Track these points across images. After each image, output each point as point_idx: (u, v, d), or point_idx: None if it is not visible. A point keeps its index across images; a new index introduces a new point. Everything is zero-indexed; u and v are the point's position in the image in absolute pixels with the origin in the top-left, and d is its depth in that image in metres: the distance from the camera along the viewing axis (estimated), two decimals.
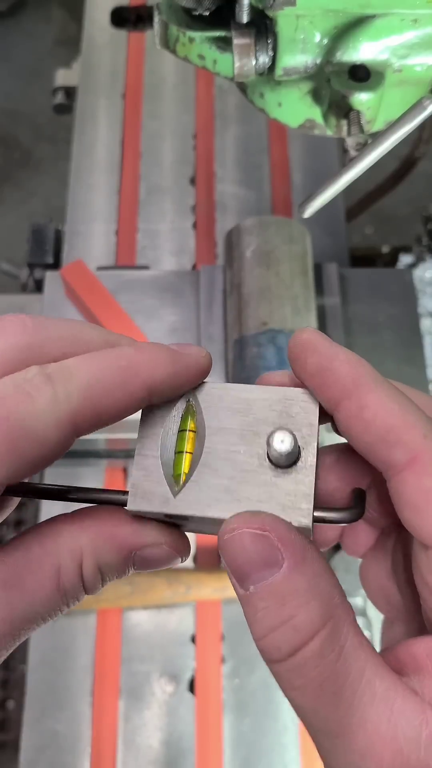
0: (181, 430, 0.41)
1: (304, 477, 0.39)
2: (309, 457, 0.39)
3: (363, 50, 0.65)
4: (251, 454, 0.40)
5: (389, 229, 2.47)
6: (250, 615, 0.36)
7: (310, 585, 0.35)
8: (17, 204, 2.60)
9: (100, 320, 0.85)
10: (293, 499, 0.38)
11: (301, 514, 0.38)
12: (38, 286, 1.12)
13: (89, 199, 1.16)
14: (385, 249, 1.24)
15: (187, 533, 0.42)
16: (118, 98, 1.24)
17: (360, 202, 1.36)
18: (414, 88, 0.69)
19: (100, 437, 0.92)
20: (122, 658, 0.92)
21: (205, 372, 0.42)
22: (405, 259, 1.15)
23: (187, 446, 0.41)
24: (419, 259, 1.13)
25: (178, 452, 0.41)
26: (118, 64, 1.27)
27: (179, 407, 0.42)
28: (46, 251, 1.09)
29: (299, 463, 0.39)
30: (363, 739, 0.34)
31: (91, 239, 1.12)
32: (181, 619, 0.94)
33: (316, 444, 0.40)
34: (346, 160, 0.66)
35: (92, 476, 1.00)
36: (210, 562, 0.96)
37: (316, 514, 0.39)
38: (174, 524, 0.41)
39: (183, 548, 0.42)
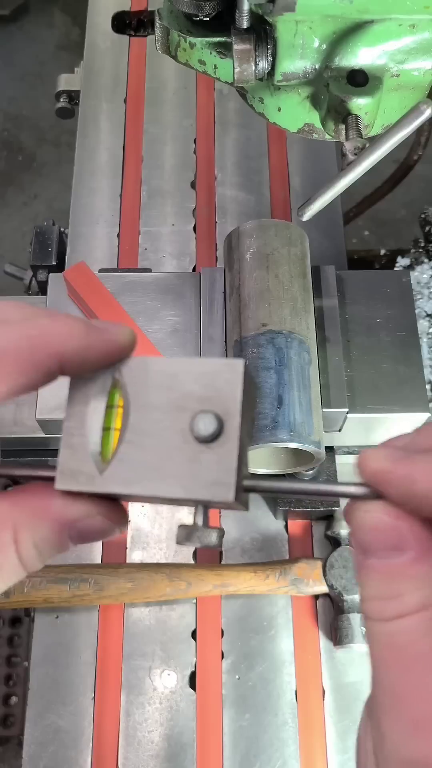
0: (108, 407, 0.41)
1: (228, 451, 0.39)
2: (232, 431, 0.39)
3: (361, 55, 0.66)
4: (176, 430, 0.40)
5: (386, 231, 2.48)
6: (363, 577, 0.40)
7: (426, 574, 0.38)
8: (21, 207, 2.61)
9: None
10: (217, 475, 0.39)
11: (226, 489, 0.39)
12: (41, 288, 1.13)
13: (92, 202, 1.17)
14: (383, 252, 1.25)
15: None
16: (120, 103, 1.25)
17: (358, 205, 1.37)
18: (411, 93, 0.70)
19: None
20: (124, 654, 0.93)
21: (126, 349, 0.42)
22: (402, 262, 1.16)
23: (114, 423, 0.41)
24: (416, 262, 1.14)
25: (105, 429, 0.41)
26: (120, 69, 1.28)
27: (105, 384, 0.41)
28: (49, 253, 1.10)
29: (222, 437, 0.39)
30: (422, 708, 0.37)
31: (93, 242, 1.13)
32: (182, 615, 0.95)
33: (239, 417, 0.39)
34: (344, 164, 0.67)
35: None
36: (210, 558, 0.97)
37: (246, 483, 0.40)
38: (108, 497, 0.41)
39: (119, 519, 0.43)
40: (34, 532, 0.40)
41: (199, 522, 0.40)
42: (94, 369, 0.42)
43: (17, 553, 0.40)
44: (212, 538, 0.40)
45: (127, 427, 0.41)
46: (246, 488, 0.40)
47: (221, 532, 0.41)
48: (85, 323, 0.41)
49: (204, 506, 0.40)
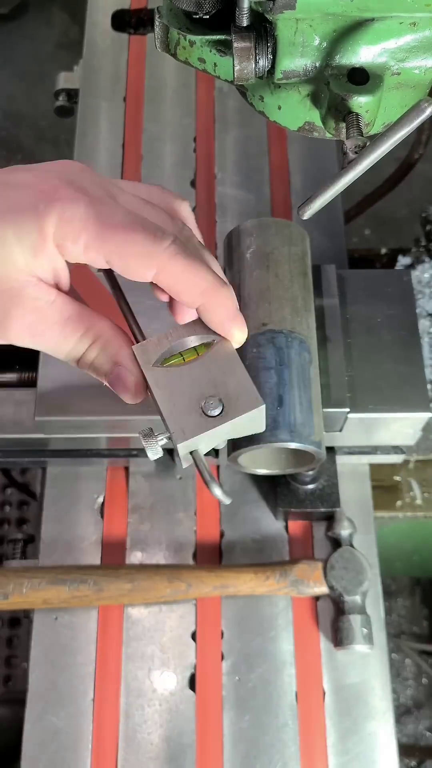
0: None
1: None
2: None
3: (362, 53, 0.65)
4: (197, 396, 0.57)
5: (387, 230, 2.48)
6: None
7: None
8: None
9: None
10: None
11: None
12: None
13: None
14: (384, 251, 1.24)
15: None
16: (119, 101, 1.25)
17: (358, 204, 1.37)
18: (412, 91, 0.70)
19: (101, 436, 0.93)
20: (123, 655, 0.93)
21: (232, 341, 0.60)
22: (403, 261, 1.15)
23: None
24: (417, 261, 1.13)
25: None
26: (120, 68, 1.28)
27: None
28: None
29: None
30: None
31: None
32: (182, 617, 0.94)
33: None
34: (344, 163, 0.66)
35: (94, 475, 1.01)
36: (210, 560, 0.97)
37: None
38: None
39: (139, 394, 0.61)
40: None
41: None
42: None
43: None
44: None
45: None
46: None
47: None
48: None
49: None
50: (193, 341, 0.60)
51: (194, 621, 0.94)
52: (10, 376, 0.95)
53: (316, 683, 0.91)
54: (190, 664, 0.93)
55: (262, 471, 0.87)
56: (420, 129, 1.23)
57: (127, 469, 1.01)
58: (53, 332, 0.59)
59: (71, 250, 0.56)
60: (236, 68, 0.66)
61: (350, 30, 0.65)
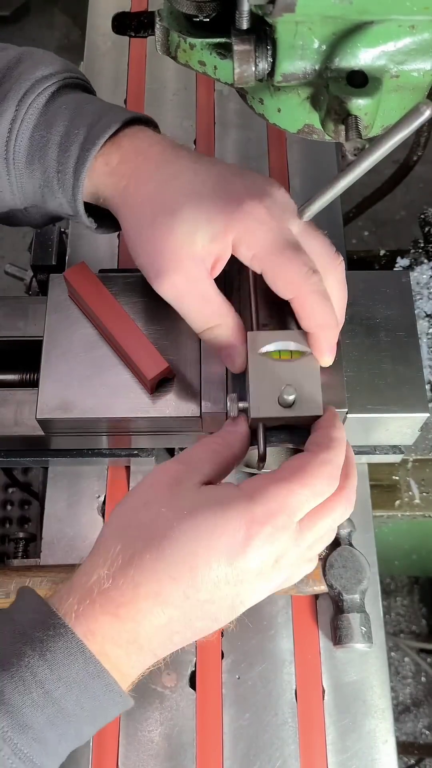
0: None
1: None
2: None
3: (361, 56, 0.66)
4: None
5: (386, 232, 2.48)
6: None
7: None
8: None
9: (103, 322, 0.87)
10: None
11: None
12: (42, 288, 1.14)
13: None
14: (382, 252, 1.25)
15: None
16: (120, 103, 1.25)
17: (357, 205, 1.37)
18: (411, 94, 0.70)
19: (103, 436, 0.93)
20: None
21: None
22: (402, 262, 1.16)
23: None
24: (416, 262, 1.14)
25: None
26: (120, 70, 1.28)
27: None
28: (49, 254, 1.10)
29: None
30: None
31: (93, 242, 1.13)
32: None
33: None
34: (343, 165, 0.67)
35: (95, 475, 1.01)
36: None
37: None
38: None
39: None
40: None
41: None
42: None
43: None
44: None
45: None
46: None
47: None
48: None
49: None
50: (292, 346, 0.76)
51: None
52: (12, 377, 0.95)
53: (316, 681, 0.92)
54: (190, 662, 0.93)
55: (262, 471, 0.87)
56: (418, 131, 1.23)
57: (128, 468, 1.02)
58: (192, 302, 0.77)
59: (241, 252, 0.74)
60: (236, 71, 0.66)
61: (349, 33, 0.65)
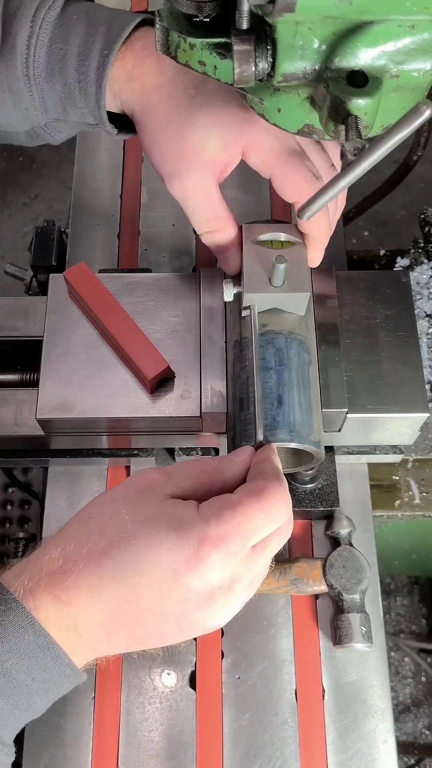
0: None
1: None
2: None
3: (361, 56, 0.66)
4: None
5: (386, 232, 2.48)
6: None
7: None
8: (21, 207, 2.61)
9: (103, 322, 0.87)
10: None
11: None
12: (42, 288, 1.14)
13: (92, 202, 1.17)
14: (382, 252, 1.25)
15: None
16: None
17: (357, 205, 1.37)
18: (411, 94, 0.70)
19: (103, 436, 0.93)
20: (124, 653, 0.93)
21: None
22: (402, 262, 1.16)
23: None
24: (416, 262, 1.14)
25: None
26: None
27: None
28: (49, 254, 1.10)
29: None
30: None
31: (93, 242, 1.13)
32: None
33: None
34: (343, 165, 0.67)
35: (95, 475, 1.01)
36: None
37: None
38: None
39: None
40: None
41: None
42: None
43: None
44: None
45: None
46: None
47: None
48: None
49: None
50: (282, 237, 0.84)
51: None
52: (12, 377, 0.95)
53: (316, 681, 0.92)
54: (190, 662, 0.93)
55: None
56: (418, 131, 1.23)
57: (128, 468, 1.02)
58: (196, 205, 0.82)
59: (251, 159, 0.81)
60: (236, 71, 0.66)
61: (349, 33, 0.65)
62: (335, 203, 0.86)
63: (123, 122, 0.87)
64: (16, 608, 0.60)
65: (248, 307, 0.79)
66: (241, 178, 1.16)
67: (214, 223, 0.83)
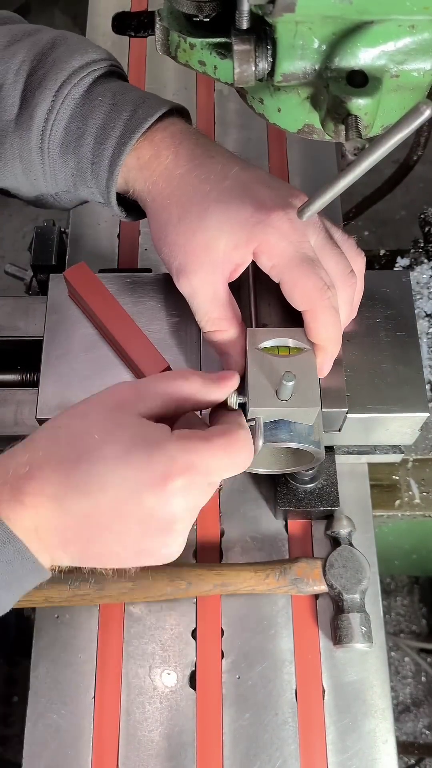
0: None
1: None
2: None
3: (361, 56, 0.66)
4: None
5: (386, 232, 2.48)
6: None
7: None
8: (21, 207, 2.60)
9: (103, 322, 0.87)
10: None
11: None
12: (42, 288, 1.14)
13: (92, 202, 1.17)
14: (382, 252, 1.25)
15: None
16: None
17: (357, 205, 1.37)
18: (411, 93, 0.70)
19: None
20: (124, 653, 0.93)
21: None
22: (402, 262, 1.16)
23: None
24: (416, 262, 1.14)
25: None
26: None
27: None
28: (49, 254, 1.10)
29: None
30: None
31: (93, 242, 1.13)
32: (182, 615, 0.95)
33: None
34: (343, 165, 0.67)
35: None
36: (210, 558, 0.97)
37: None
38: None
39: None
40: None
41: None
42: None
43: None
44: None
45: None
46: None
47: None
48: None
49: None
50: (290, 343, 0.79)
51: (194, 619, 0.95)
52: (12, 377, 0.95)
53: (316, 681, 0.92)
54: (190, 662, 0.93)
55: (261, 470, 0.87)
56: (418, 131, 1.23)
57: None
58: (202, 301, 0.80)
59: (262, 261, 0.77)
60: (236, 71, 0.66)
61: (349, 33, 0.65)
62: (349, 308, 0.84)
63: (135, 205, 0.86)
64: None
65: (253, 419, 0.74)
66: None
67: (218, 323, 0.81)
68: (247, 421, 0.74)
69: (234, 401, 0.73)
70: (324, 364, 0.81)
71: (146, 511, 0.62)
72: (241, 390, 0.76)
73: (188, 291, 0.81)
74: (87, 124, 0.82)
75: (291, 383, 0.71)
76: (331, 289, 0.77)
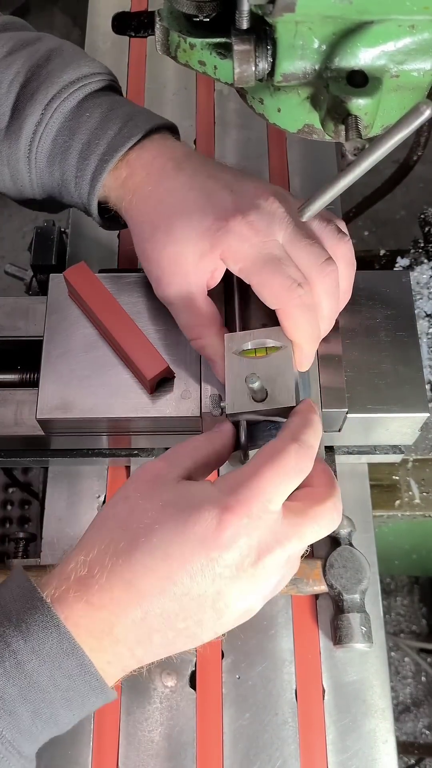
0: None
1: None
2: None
3: (361, 56, 0.66)
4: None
5: (386, 232, 2.48)
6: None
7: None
8: (21, 207, 2.59)
9: (103, 322, 0.87)
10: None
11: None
12: (42, 288, 1.14)
13: None
14: (382, 252, 1.25)
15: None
16: None
17: (357, 205, 1.37)
18: (411, 93, 0.70)
19: (103, 436, 0.93)
20: None
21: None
22: (402, 262, 1.16)
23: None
24: (416, 262, 1.14)
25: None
26: (120, 70, 1.28)
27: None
28: (49, 254, 1.10)
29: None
30: None
31: (93, 242, 1.13)
32: None
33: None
34: (343, 165, 0.67)
35: (95, 475, 1.01)
36: None
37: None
38: None
39: None
40: None
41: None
42: None
43: None
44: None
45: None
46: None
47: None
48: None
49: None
50: (269, 343, 0.78)
51: None
52: (12, 376, 0.95)
53: (316, 681, 0.92)
54: (190, 662, 0.93)
55: None
56: (419, 131, 1.23)
57: (128, 468, 1.02)
58: (179, 311, 0.83)
59: (230, 266, 0.79)
60: (236, 71, 0.66)
61: (349, 33, 0.65)
62: (335, 298, 0.82)
63: (116, 216, 0.89)
64: (42, 608, 0.59)
65: (237, 422, 0.76)
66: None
67: (198, 331, 0.83)
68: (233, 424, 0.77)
69: (216, 408, 0.76)
70: (302, 360, 0.80)
71: (215, 563, 0.61)
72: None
73: (166, 302, 0.84)
74: (73, 139, 0.85)
75: (255, 384, 0.72)
76: (302, 286, 0.76)
